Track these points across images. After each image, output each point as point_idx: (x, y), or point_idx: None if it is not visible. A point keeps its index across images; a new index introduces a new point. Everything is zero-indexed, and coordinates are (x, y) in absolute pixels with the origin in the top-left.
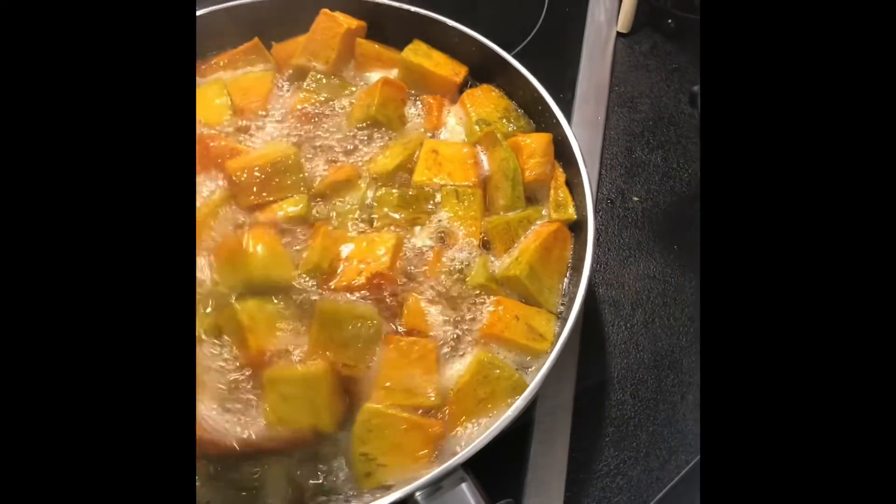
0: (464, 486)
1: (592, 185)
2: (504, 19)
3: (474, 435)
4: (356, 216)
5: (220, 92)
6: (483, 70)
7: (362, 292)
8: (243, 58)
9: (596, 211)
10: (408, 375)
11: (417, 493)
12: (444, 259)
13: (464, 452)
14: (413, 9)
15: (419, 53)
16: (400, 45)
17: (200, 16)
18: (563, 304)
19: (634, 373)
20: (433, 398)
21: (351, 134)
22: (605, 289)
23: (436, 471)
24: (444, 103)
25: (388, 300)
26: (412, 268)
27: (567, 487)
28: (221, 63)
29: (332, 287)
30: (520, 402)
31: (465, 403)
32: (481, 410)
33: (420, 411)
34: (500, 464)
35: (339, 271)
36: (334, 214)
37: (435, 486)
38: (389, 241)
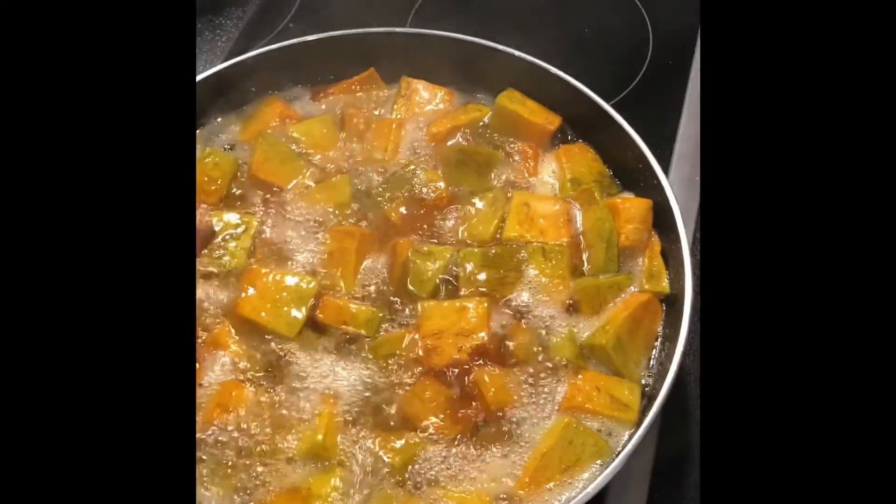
0: None
1: (690, 257)
2: (602, 69)
3: None
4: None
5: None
6: (578, 121)
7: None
8: (360, 86)
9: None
10: None
11: None
12: (527, 324)
13: None
14: (515, 52)
15: (514, 100)
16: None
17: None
18: (648, 377)
19: None
20: None
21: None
22: (691, 359)
23: None
24: (538, 152)
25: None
26: (498, 334)
27: None
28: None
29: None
30: (601, 479)
31: (549, 470)
32: (565, 476)
33: None
34: None
35: (428, 348)
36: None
37: None
38: (480, 308)
